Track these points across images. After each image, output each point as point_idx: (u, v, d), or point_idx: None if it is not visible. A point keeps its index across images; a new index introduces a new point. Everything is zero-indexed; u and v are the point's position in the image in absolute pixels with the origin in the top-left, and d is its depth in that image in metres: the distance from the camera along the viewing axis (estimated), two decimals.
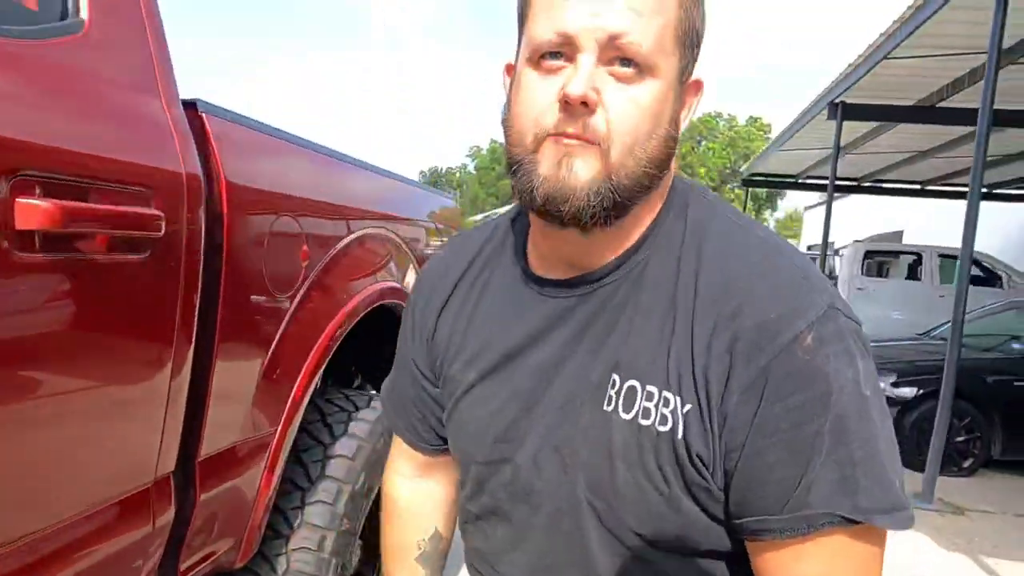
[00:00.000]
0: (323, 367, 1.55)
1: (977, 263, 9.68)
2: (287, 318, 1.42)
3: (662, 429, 0.63)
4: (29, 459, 0.90)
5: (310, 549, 1.51)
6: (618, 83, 0.61)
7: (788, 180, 12.64)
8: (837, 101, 7.09)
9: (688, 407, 0.63)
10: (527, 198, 0.64)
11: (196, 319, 1.13)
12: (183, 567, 1.22)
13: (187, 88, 1.14)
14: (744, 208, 8.77)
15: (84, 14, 0.95)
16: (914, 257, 9.75)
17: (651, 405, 0.64)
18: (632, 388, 0.65)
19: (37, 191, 0.83)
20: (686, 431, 0.63)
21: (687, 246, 0.68)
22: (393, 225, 2.00)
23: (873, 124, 8.21)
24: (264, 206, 1.33)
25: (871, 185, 12.48)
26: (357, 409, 1.78)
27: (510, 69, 0.70)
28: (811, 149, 9.85)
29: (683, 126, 0.69)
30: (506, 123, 0.67)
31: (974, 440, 4.79)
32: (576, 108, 0.60)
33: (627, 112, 0.61)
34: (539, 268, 0.74)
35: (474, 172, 78.42)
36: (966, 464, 4.80)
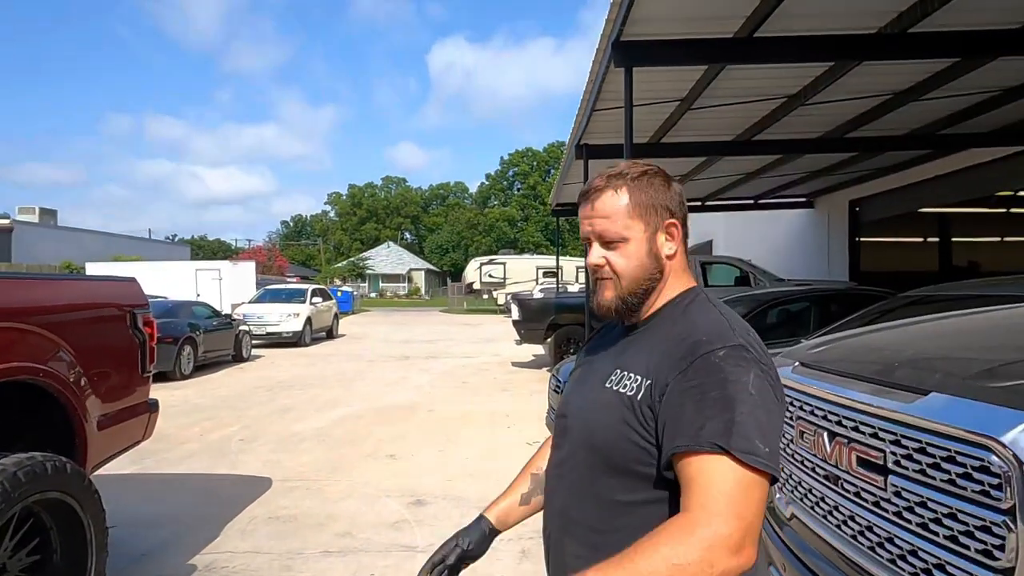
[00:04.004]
0: None
1: (736, 266, 11.33)
2: None
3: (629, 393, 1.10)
4: None
5: None
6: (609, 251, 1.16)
7: None
8: (581, 144, 8.29)
9: (649, 382, 1.08)
10: None
11: None
12: None
13: None
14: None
15: None
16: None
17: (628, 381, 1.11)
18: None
19: None
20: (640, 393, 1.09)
21: (677, 318, 1.15)
22: (31, 316, 2.57)
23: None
24: None
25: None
26: None
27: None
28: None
29: (673, 247, 1.17)
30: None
31: None
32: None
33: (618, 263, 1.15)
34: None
35: (336, 218, 76.31)
36: None
